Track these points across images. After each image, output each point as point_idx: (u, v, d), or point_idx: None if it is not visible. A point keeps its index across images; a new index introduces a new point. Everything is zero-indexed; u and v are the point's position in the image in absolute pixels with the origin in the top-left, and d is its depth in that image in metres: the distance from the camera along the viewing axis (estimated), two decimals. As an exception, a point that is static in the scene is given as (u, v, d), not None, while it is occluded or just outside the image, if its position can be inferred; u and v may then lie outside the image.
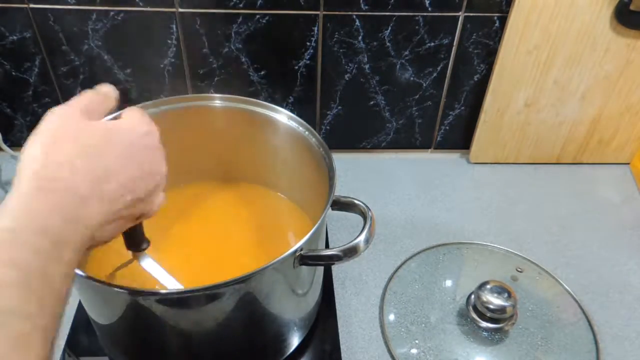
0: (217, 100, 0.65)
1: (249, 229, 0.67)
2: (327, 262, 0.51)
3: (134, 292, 0.47)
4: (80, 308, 0.65)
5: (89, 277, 0.45)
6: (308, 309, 0.61)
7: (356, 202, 0.56)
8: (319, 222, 0.51)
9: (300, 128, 0.63)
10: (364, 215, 0.54)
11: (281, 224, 0.69)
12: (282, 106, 0.82)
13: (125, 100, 0.85)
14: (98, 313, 0.55)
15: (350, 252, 0.51)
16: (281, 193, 0.72)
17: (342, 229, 0.76)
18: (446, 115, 0.86)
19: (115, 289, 0.46)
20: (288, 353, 0.61)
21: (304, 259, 0.50)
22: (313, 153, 0.61)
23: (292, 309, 0.58)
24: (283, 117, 0.64)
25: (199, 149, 0.69)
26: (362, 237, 0.51)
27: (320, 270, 0.62)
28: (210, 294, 0.48)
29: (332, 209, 0.56)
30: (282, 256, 0.47)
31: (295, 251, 0.49)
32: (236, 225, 0.67)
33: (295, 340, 0.61)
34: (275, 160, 0.69)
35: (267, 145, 0.67)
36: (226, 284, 0.46)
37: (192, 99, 0.65)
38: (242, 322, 0.52)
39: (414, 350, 0.63)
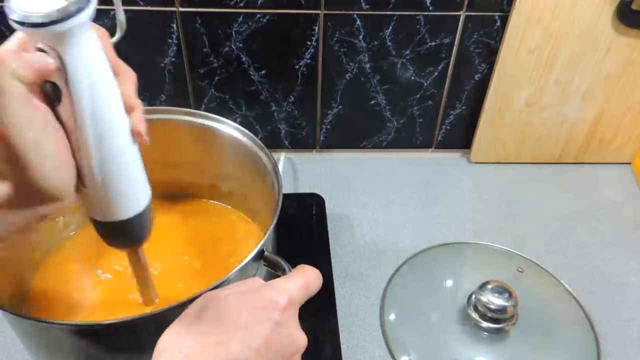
0: (156, 114, 0.62)
1: (191, 246, 0.64)
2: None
3: (50, 323, 0.43)
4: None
5: (14, 314, 0.43)
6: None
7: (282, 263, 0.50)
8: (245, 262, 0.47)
9: (245, 139, 0.60)
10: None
11: (228, 236, 0.66)
12: (282, 105, 0.82)
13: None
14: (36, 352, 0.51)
15: None
16: (226, 204, 0.69)
17: (344, 229, 0.76)
18: (447, 115, 0.85)
19: (35, 322, 0.43)
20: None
21: None
22: (260, 166, 0.59)
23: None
24: (227, 128, 0.62)
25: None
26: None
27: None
28: (148, 321, 0.43)
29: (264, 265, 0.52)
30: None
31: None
32: (179, 244, 0.64)
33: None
34: (219, 171, 0.66)
35: (210, 157, 0.65)
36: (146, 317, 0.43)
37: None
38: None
39: (414, 350, 0.63)
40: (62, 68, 0.35)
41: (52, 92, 0.36)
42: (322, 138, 0.87)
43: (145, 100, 0.81)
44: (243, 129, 0.61)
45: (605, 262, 0.74)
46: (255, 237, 0.65)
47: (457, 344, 0.63)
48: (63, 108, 0.36)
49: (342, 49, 0.77)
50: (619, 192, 0.85)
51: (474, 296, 0.64)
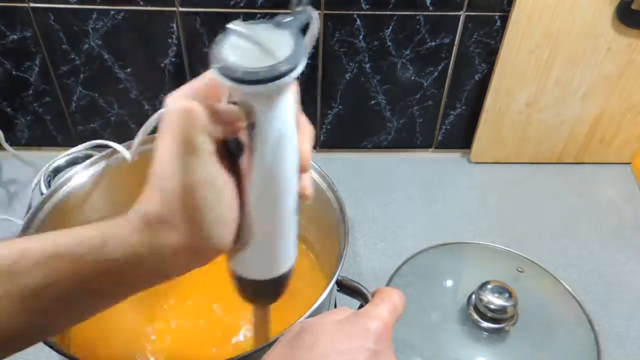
0: None
1: None
2: None
3: None
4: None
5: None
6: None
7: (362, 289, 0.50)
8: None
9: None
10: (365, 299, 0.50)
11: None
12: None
13: (125, 101, 0.85)
14: None
15: None
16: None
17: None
18: (447, 115, 0.85)
19: None
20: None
21: None
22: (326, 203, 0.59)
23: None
24: None
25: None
26: None
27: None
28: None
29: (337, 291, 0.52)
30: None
31: None
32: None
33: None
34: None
35: None
36: None
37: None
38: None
39: (414, 350, 0.63)
40: (253, 124, 0.32)
41: (233, 146, 0.33)
42: (322, 138, 0.87)
43: (145, 100, 0.81)
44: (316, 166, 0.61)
45: (605, 262, 0.74)
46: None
47: (457, 344, 0.63)
48: (239, 162, 0.34)
49: (342, 49, 0.77)
50: (619, 192, 0.85)
51: (474, 296, 0.64)
